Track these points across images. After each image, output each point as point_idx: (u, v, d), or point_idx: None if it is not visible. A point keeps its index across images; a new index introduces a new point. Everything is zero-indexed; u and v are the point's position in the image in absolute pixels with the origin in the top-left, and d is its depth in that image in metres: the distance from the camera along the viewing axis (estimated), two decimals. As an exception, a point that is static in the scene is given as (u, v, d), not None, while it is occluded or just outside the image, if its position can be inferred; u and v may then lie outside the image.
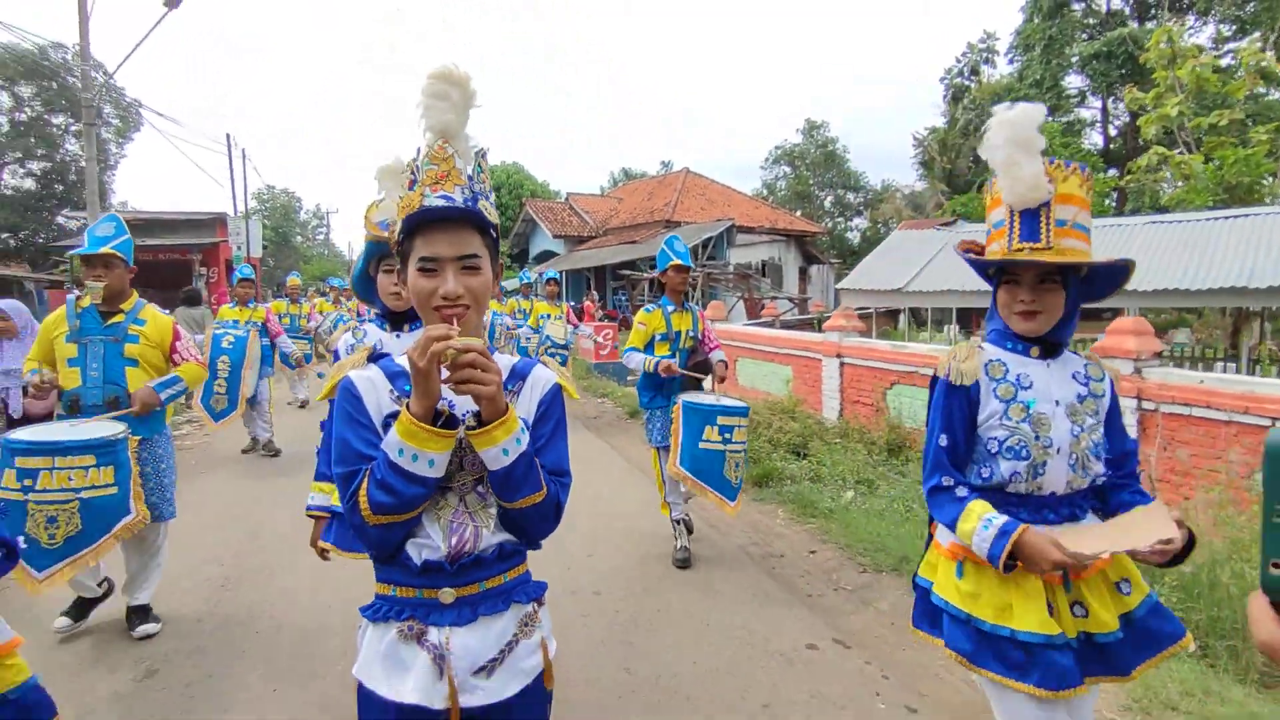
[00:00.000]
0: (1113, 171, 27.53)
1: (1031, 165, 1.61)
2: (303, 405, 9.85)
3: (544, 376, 1.38)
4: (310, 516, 2.36)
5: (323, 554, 2.37)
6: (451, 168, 1.24)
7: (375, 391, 1.27)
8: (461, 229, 1.24)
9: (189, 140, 36.88)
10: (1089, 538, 1.58)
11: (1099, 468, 1.71)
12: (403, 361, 1.29)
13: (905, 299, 10.46)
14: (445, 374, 1.14)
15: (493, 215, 1.29)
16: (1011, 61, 34.37)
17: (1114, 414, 1.78)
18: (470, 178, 1.25)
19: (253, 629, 3.38)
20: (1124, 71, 26.90)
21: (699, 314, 4.35)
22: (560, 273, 21.80)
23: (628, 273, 20.61)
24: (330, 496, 2.34)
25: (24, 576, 2.72)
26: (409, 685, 1.22)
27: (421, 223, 1.22)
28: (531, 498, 1.24)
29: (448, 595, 1.26)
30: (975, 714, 2.63)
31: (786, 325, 13.42)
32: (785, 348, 9.23)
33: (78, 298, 3.25)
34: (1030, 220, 1.64)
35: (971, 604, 1.69)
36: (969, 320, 12.05)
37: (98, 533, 2.86)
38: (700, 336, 4.30)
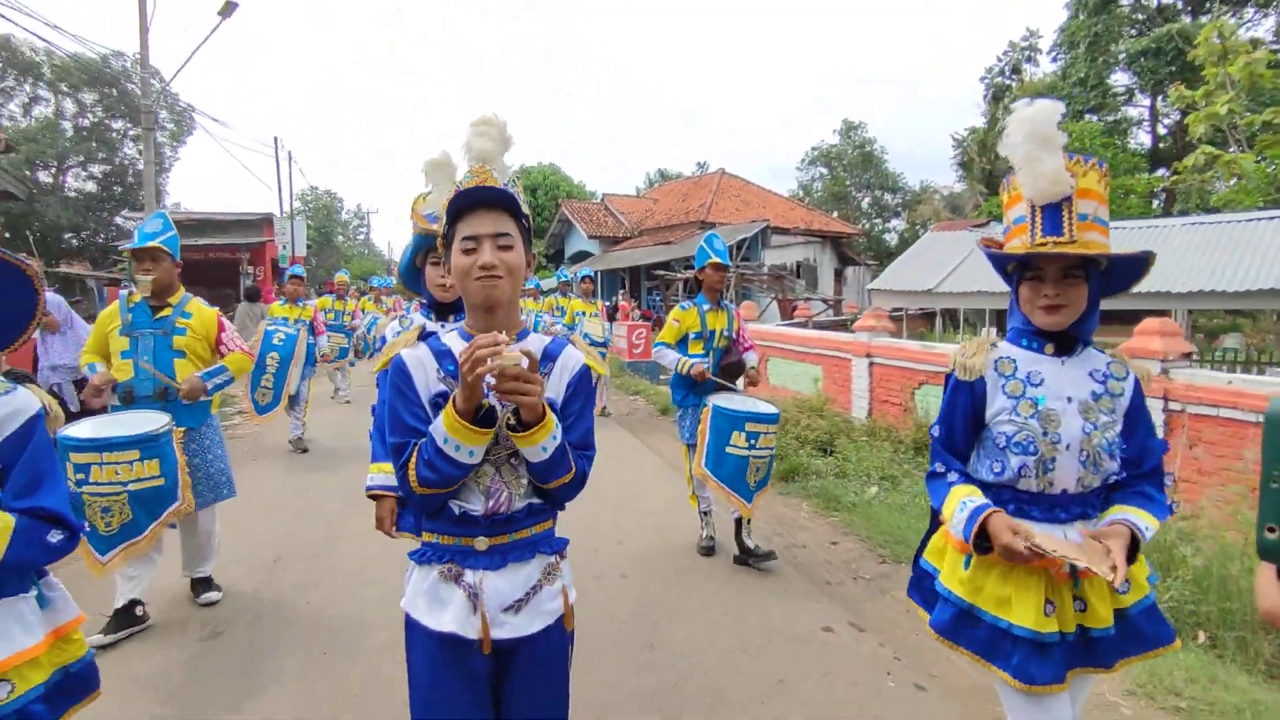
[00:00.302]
0: (1161, 171, 26.83)
1: (1052, 160, 1.64)
2: (346, 401, 10.10)
3: (573, 358, 1.53)
4: (370, 496, 2.44)
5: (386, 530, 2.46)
6: (488, 176, 1.44)
7: (424, 369, 1.45)
8: (496, 212, 1.42)
9: (238, 143, 38.19)
10: (1063, 538, 1.66)
11: (1113, 465, 1.70)
12: (448, 340, 1.49)
13: (936, 300, 10.43)
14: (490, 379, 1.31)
15: (524, 206, 1.46)
16: (1055, 59, 33.62)
17: (1136, 412, 1.75)
18: (507, 185, 1.45)
19: (302, 600, 3.64)
20: (1174, 68, 26.15)
21: (735, 313, 4.33)
22: (595, 272, 22.06)
23: (662, 273, 20.75)
24: (390, 476, 2.40)
25: (90, 559, 2.92)
26: (447, 617, 1.42)
27: (463, 208, 1.41)
28: (563, 479, 1.44)
29: (481, 543, 1.45)
30: (982, 695, 2.74)
31: (820, 326, 13.45)
32: (815, 347, 9.31)
33: (129, 293, 3.41)
34: (1053, 214, 1.67)
35: (975, 595, 1.74)
36: (1003, 321, 11.87)
37: (148, 520, 3.03)
38: (735, 336, 4.28)
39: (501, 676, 1.49)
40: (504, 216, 1.43)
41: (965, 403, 1.78)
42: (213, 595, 3.57)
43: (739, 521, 4.14)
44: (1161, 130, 31.35)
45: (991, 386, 1.75)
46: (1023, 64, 37.04)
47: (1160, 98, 29.25)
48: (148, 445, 2.96)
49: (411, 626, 1.48)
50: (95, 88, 31.28)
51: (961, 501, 1.70)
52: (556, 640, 1.51)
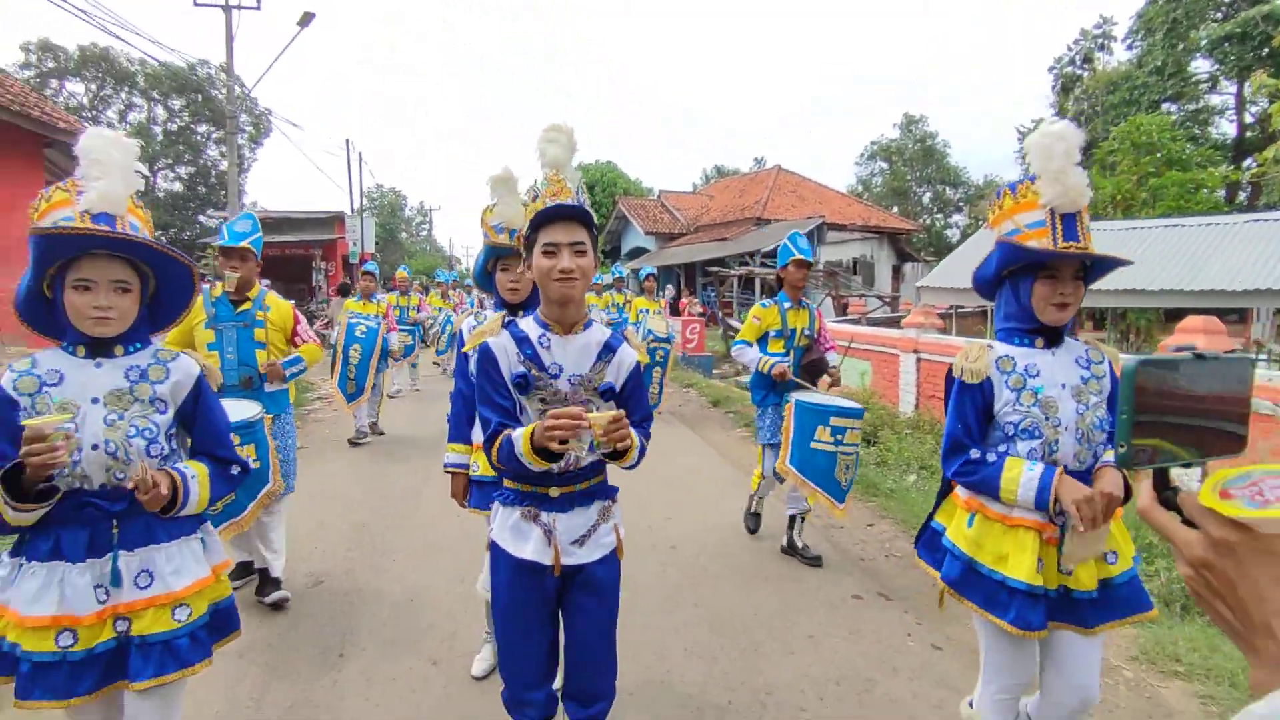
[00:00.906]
0: (1249, 161, 25.58)
1: (1078, 175, 1.85)
2: (415, 389, 10.64)
3: (629, 355, 1.88)
4: (448, 472, 2.76)
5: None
6: (563, 187, 1.75)
7: (506, 354, 1.81)
8: (572, 223, 1.72)
9: (308, 139, 39.77)
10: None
11: (1103, 439, 1.92)
12: (525, 327, 1.84)
13: (978, 297, 10.48)
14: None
15: (594, 216, 1.83)
16: (1130, 47, 32.28)
17: (1115, 393, 1.85)
18: (576, 192, 1.78)
19: (390, 559, 4.14)
20: (1261, 54, 24.88)
21: (816, 312, 4.27)
22: (654, 269, 22.43)
23: (716, 269, 20.97)
24: (463, 456, 2.76)
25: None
26: (529, 548, 1.81)
27: (545, 219, 1.72)
28: (638, 461, 1.85)
29: (554, 492, 1.83)
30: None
31: (874, 323, 13.53)
32: (865, 343, 9.48)
33: (212, 287, 3.56)
34: (1070, 222, 1.87)
35: (975, 550, 1.99)
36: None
37: (247, 500, 3.20)
38: (816, 335, 4.22)
39: (565, 595, 1.88)
40: (579, 227, 1.74)
41: (976, 401, 1.97)
42: (282, 594, 3.52)
43: (793, 519, 4.23)
44: (1248, 119, 29.81)
45: (996, 383, 1.94)
46: (1095, 52, 35.69)
47: (1246, 85, 27.88)
48: (246, 432, 3.09)
49: (497, 554, 1.87)
50: (182, 94, 33.28)
51: (1025, 468, 1.88)
52: (611, 566, 1.91)
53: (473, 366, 1.90)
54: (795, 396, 3.88)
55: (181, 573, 1.74)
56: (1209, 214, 9.73)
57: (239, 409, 3.15)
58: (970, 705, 2.30)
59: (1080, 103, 34.16)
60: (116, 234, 1.65)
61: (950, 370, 2.04)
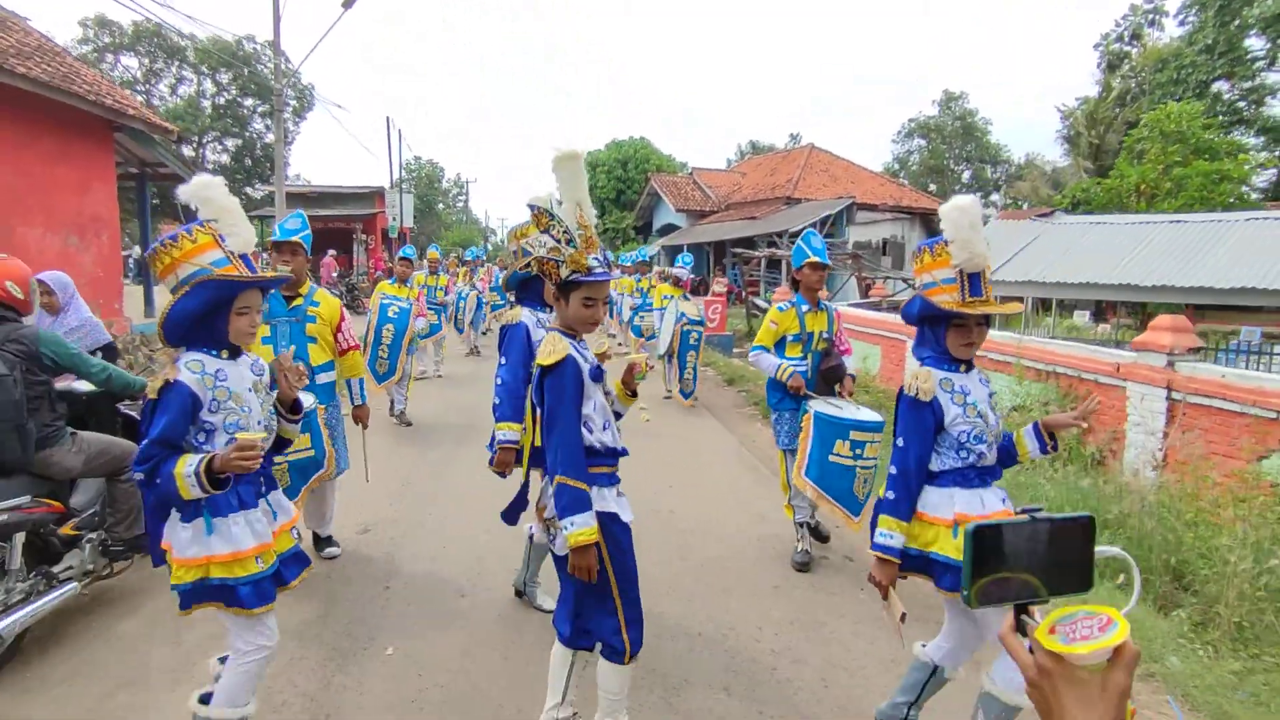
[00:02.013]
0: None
1: (981, 243, 2.19)
2: (438, 375, 10.24)
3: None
4: (502, 447, 3.18)
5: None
6: (592, 234, 2.18)
7: (583, 361, 2.27)
8: (606, 286, 2.28)
9: (352, 117, 40.70)
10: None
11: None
12: (567, 338, 2.27)
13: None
14: None
15: (539, 250, 2.22)
16: (1182, 23, 31.25)
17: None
18: (601, 247, 2.25)
19: (426, 512, 4.83)
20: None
21: (835, 314, 4.19)
22: (683, 246, 22.79)
23: (740, 250, 21.28)
24: (514, 432, 3.13)
25: None
26: (625, 510, 2.34)
27: (591, 281, 2.19)
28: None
29: (618, 464, 2.40)
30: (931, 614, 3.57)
31: (895, 307, 13.83)
32: (875, 328, 9.90)
33: None
34: (976, 280, 2.21)
35: (912, 541, 2.30)
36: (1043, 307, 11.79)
37: (301, 483, 3.50)
38: (834, 338, 4.12)
39: None
40: (606, 286, 2.29)
41: (929, 417, 2.27)
42: (334, 550, 4.05)
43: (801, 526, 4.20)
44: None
45: (944, 401, 2.27)
46: (1145, 28, 34.61)
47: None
48: (303, 422, 3.12)
49: (612, 522, 2.28)
50: (230, 69, 34.26)
51: (882, 530, 2.30)
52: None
53: (548, 374, 2.23)
54: (814, 408, 3.70)
55: (287, 509, 2.40)
56: (1208, 213, 9.84)
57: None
58: (923, 646, 2.77)
59: (1127, 80, 33.29)
60: (275, 276, 2.36)
61: (902, 390, 2.34)
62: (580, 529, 2.11)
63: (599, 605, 2.29)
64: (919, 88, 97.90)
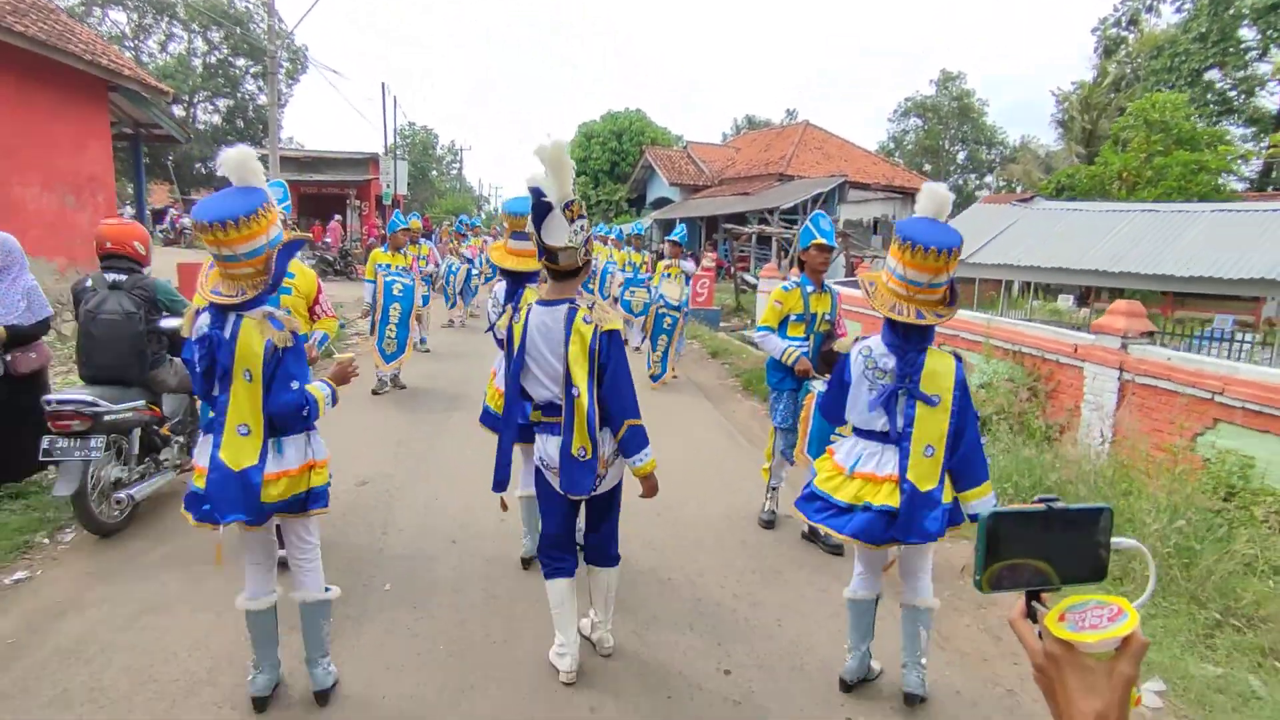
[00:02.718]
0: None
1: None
2: (425, 351, 9.91)
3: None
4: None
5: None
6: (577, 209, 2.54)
7: None
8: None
9: (346, 81, 40.28)
10: None
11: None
12: None
13: (966, 270, 11.06)
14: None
15: (576, 241, 2.52)
16: (1179, 10, 31.29)
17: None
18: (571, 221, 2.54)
19: (420, 471, 5.12)
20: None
21: (838, 296, 4.22)
22: (674, 220, 22.90)
23: (730, 226, 21.47)
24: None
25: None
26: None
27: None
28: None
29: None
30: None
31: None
32: (856, 306, 10.20)
33: None
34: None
35: (823, 484, 2.73)
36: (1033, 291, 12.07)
37: None
38: (836, 320, 4.17)
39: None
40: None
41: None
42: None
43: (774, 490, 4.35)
44: (1289, 92, 28.95)
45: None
46: (1142, 14, 34.60)
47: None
48: None
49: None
50: (221, 27, 33.69)
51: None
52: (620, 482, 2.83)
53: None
54: (817, 389, 3.76)
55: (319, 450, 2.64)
56: (1180, 203, 10.14)
57: None
58: (853, 589, 3.06)
59: (1123, 66, 33.35)
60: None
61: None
62: (652, 458, 2.71)
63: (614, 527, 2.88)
64: (919, 64, 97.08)
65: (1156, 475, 4.48)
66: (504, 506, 3.01)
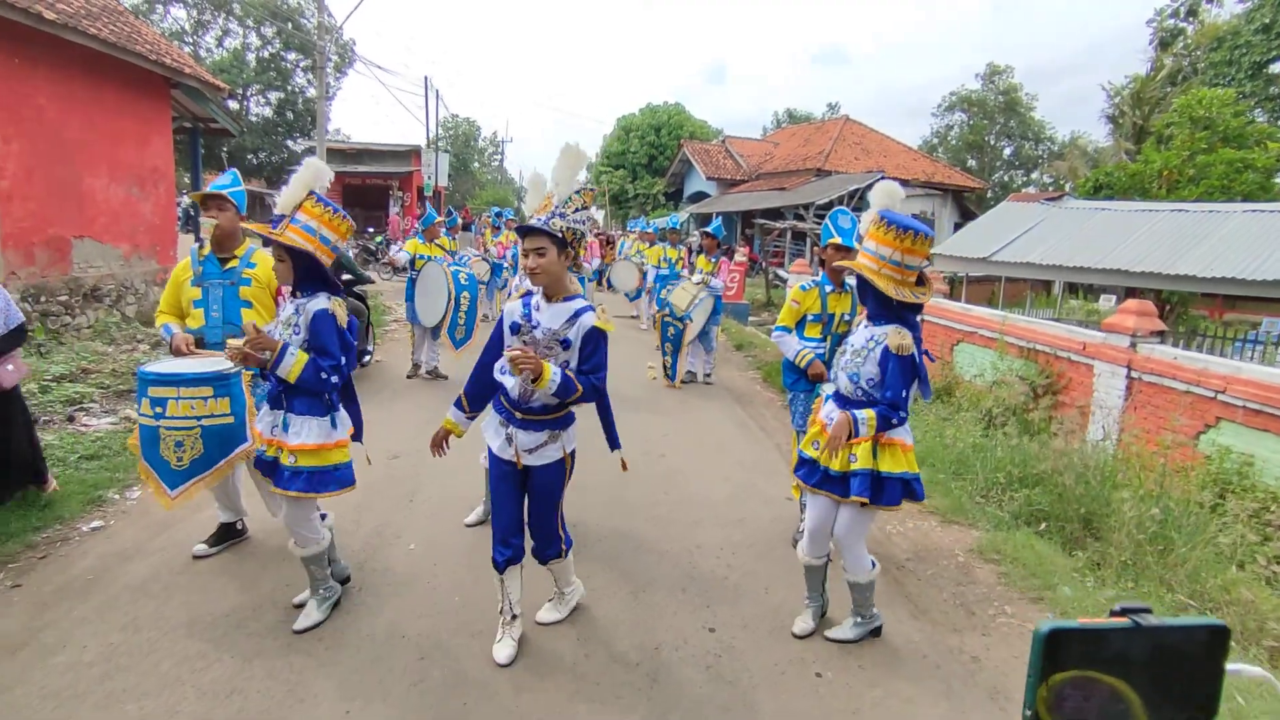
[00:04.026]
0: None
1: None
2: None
3: (588, 321, 2.64)
4: None
5: None
6: (548, 203, 2.69)
7: (511, 314, 2.76)
8: (534, 235, 2.59)
9: (389, 71, 40.94)
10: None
11: (858, 390, 2.89)
12: (536, 297, 2.74)
13: (988, 267, 11.02)
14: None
15: (557, 227, 2.60)
16: (1242, 0, 30.10)
17: (882, 363, 2.82)
18: (557, 205, 2.69)
19: (423, 472, 5.49)
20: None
21: None
22: (712, 214, 22.98)
23: (762, 221, 21.55)
24: None
25: (159, 492, 3.14)
26: (497, 444, 2.81)
27: (520, 233, 2.68)
28: (574, 395, 2.63)
29: (518, 416, 2.74)
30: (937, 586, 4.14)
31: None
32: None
33: (200, 247, 3.60)
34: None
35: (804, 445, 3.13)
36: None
37: (218, 456, 3.18)
38: (856, 322, 4.21)
39: (526, 484, 2.85)
40: (540, 236, 2.59)
41: (909, 368, 2.80)
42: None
43: None
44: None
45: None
46: (1202, 4, 33.38)
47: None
48: (219, 384, 3.15)
49: (487, 443, 2.93)
50: (274, 22, 34.79)
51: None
52: (555, 470, 2.82)
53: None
54: (828, 391, 3.55)
55: (299, 434, 2.85)
56: (1210, 203, 9.95)
57: (214, 361, 3.28)
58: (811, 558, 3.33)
59: (1180, 59, 32.27)
60: (266, 235, 2.79)
61: (899, 351, 2.76)
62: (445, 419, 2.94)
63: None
64: (963, 57, 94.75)
65: (1154, 470, 4.62)
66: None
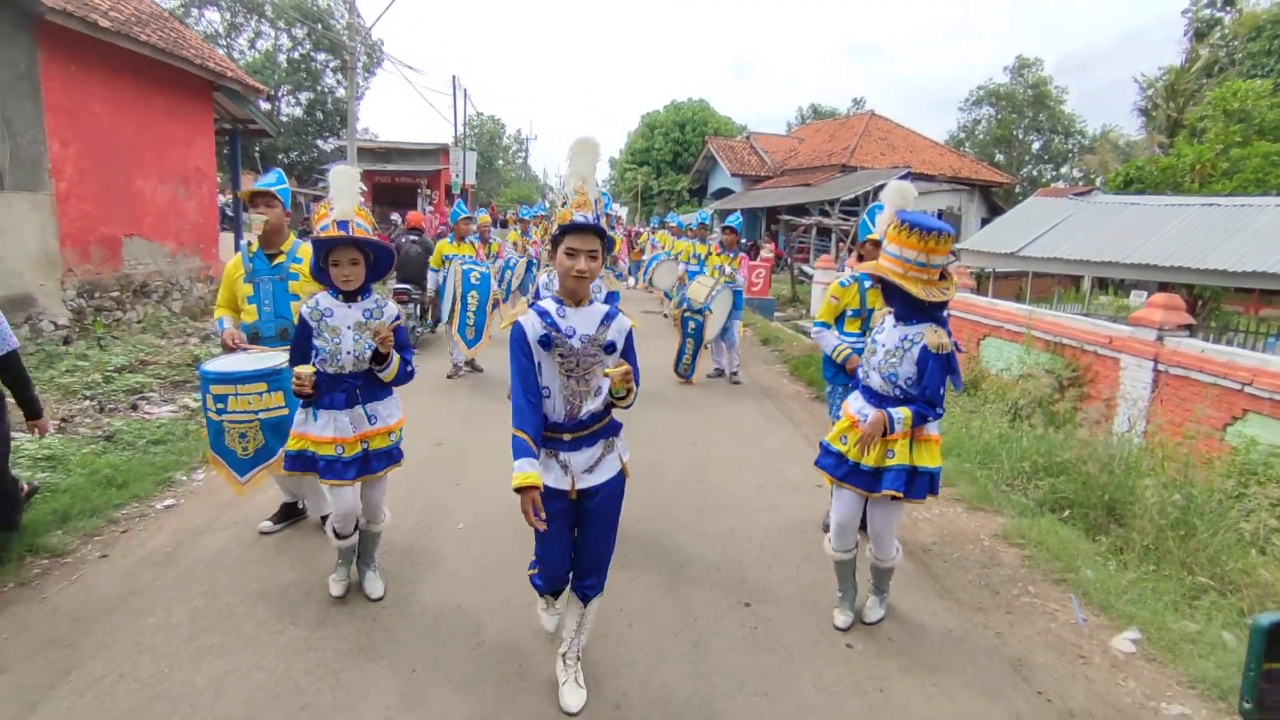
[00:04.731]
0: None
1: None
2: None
3: (624, 323, 2.50)
4: None
5: None
6: (586, 200, 2.39)
7: (531, 327, 2.39)
8: (589, 234, 2.33)
9: (418, 70, 41.82)
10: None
11: (895, 388, 2.91)
12: (544, 305, 2.44)
13: (1016, 262, 11.01)
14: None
15: (606, 227, 2.41)
16: (1283, -12, 29.36)
17: (921, 362, 2.85)
18: (595, 204, 2.42)
19: (487, 434, 5.74)
20: None
21: None
22: (737, 211, 23.07)
23: (787, 218, 21.59)
24: None
25: (231, 481, 3.48)
26: (550, 477, 2.43)
27: (569, 229, 2.34)
28: (629, 399, 2.44)
29: (567, 437, 2.47)
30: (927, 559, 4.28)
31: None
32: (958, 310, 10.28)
33: (249, 244, 3.72)
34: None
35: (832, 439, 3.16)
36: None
37: (276, 446, 3.39)
38: None
39: (581, 509, 2.54)
40: (593, 237, 2.34)
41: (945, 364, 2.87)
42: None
43: None
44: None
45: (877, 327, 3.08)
46: (1242, -7, 32.62)
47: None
48: (272, 379, 3.35)
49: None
50: (305, 24, 35.43)
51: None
52: (616, 484, 2.57)
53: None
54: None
55: (390, 415, 3.13)
56: (1231, 196, 9.84)
57: (264, 357, 3.48)
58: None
59: (1216, 50, 31.61)
60: (345, 235, 2.89)
61: (939, 349, 2.83)
62: (517, 473, 2.30)
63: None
64: (993, 49, 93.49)
65: (1178, 460, 4.70)
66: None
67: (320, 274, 2.97)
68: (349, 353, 2.94)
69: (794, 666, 2.95)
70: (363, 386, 3.02)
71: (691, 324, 7.69)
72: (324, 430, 2.97)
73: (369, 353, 2.97)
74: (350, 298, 2.97)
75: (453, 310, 7.26)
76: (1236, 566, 3.49)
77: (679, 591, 3.49)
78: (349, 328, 2.94)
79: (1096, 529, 4.18)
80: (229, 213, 19.99)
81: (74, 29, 8.17)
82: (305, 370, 2.85)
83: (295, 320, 3.11)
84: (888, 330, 2.99)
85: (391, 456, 3.15)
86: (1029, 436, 5.13)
